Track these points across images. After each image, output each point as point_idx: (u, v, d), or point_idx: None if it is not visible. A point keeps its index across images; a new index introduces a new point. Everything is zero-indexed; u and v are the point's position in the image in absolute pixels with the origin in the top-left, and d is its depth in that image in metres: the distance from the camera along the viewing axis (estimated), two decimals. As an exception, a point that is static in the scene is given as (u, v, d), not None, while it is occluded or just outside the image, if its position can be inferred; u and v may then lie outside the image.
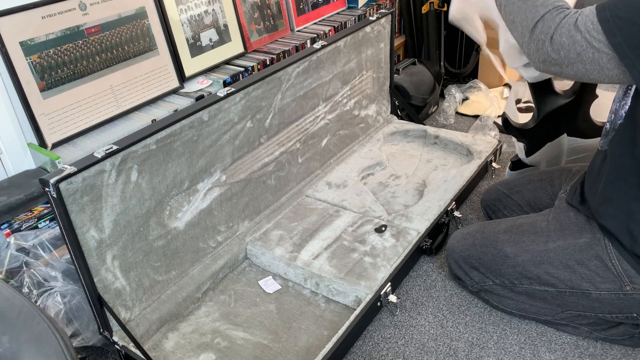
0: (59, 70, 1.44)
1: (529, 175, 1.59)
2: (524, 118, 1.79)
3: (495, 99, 2.40)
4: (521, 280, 1.30)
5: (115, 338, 1.30)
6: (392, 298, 1.40)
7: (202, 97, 1.67)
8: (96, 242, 1.21)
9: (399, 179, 1.92)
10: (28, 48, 1.37)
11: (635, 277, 1.14)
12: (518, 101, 2.21)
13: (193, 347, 1.33)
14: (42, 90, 1.41)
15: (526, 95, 1.89)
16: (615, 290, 1.17)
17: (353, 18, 2.28)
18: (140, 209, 1.30)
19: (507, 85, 2.54)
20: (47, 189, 1.10)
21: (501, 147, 2.03)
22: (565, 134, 1.63)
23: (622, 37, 0.92)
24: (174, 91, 1.71)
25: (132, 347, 1.26)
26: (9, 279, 1.24)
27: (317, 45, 1.74)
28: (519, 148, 1.75)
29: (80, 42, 1.48)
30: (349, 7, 2.42)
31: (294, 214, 1.72)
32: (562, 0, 1.03)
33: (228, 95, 1.45)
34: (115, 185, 1.23)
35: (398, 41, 2.67)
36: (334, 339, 1.26)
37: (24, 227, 1.29)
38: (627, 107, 1.09)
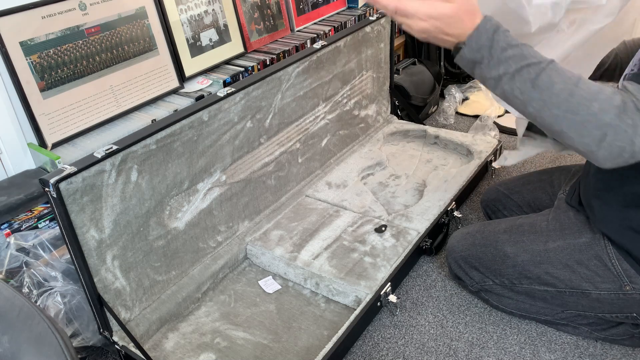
0: (59, 70, 1.44)
1: (529, 176, 1.60)
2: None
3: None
4: (521, 280, 1.30)
5: (115, 338, 1.30)
6: (392, 298, 1.40)
7: (202, 97, 1.67)
8: (96, 242, 1.21)
9: (399, 179, 1.92)
10: (28, 48, 1.38)
11: (635, 277, 1.14)
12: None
13: (193, 347, 1.33)
14: (42, 90, 1.41)
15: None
16: (615, 290, 1.17)
17: (353, 18, 2.28)
18: (140, 209, 1.30)
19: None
20: (47, 189, 1.10)
21: (501, 147, 2.03)
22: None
23: None
24: (174, 91, 1.72)
25: (132, 347, 1.27)
26: (9, 279, 1.24)
27: (317, 45, 1.74)
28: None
29: (80, 42, 1.48)
30: (349, 7, 2.42)
31: (294, 214, 1.72)
32: (608, 87, 0.95)
33: (228, 95, 1.45)
34: (115, 185, 1.23)
35: (398, 41, 2.67)
36: (334, 339, 1.26)
37: (24, 227, 1.29)
38: None
